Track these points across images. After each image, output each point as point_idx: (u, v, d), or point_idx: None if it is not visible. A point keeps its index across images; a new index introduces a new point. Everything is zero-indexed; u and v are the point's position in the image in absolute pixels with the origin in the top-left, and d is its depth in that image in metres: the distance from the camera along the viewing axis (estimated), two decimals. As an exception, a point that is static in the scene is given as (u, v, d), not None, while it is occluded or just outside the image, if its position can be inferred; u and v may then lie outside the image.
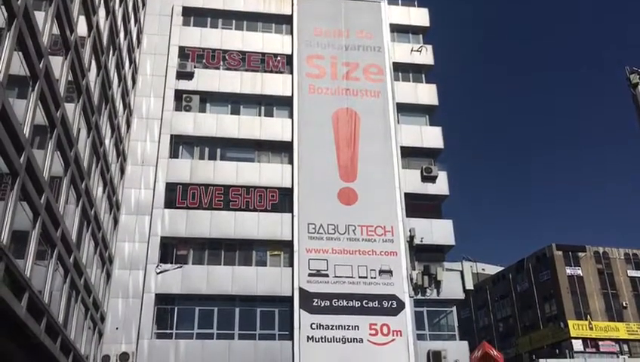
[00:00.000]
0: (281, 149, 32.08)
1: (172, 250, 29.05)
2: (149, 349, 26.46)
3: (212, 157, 31.51)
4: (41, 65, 15.14)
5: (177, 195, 29.77)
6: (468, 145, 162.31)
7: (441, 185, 32.28)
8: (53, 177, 17.23)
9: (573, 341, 55.43)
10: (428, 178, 32.14)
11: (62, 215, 18.07)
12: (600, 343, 56.28)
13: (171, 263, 28.38)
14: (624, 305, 59.76)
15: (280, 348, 27.24)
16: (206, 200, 29.79)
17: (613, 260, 62.12)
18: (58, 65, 17.20)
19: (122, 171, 29.37)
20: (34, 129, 14.95)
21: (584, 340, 56.08)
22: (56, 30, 16.65)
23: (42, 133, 16.21)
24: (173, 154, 31.07)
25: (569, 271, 59.80)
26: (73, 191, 19.82)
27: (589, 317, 57.48)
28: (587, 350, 54.90)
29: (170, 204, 29.63)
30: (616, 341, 57.14)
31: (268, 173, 31.07)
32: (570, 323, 56.55)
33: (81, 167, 20.47)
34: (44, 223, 16.16)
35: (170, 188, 29.95)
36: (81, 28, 19.58)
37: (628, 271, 61.91)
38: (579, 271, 59.95)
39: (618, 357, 52.12)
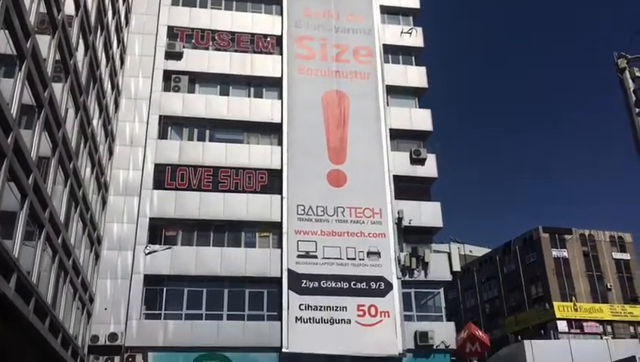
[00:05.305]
0: (271, 131, 32.02)
1: (161, 231, 29.02)
2: (138, 330, 26.55)
3: (201, 138, 31.40)
4: (28, 45, 14.96)
5: (166, 176, 29.69)
6: (458, 127, 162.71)
7: (429, 168, 32.38)
8: (41, 158, 17.11)
9: (558, 322, 56.35)
10: (417, 160, 32.22)
11: (50, 195, 17.99)
12: (584, 324, 57.23)
13: (160, 244, 28.41)
14: (608, 286, 60.70)
15: (269, 329, 27.44)
16: (195, 181, 29.74)
17: (599, 242, 62.93)
18: (45, 44, 16.99)
19: (111, 152, 29.22)
20: (21, 109, 14.82)
21: (569, 321, 57.01)
22: (43, 9, 16.43)
23: (30, 113, 16.07)
24: (162, 134, 30.91)
25: (555, 253, 60.56)
26: (61, 172, 19.71)
27: (574, 298, 58.32)
28: (572, 331, 55.80)
29: (158, 184, 29.57)
30: (601, 322, 58.11)
31: (257, 154, 31.03)
32: (556, 304, 57.38)
33: (69, 147, 20.34)
34: (32, 204, 16.09)
35: (159, 169, 29.86)
36: (69, 7, 19.33)
37: (613, 254, 62.80)
38: (565, 254, 60.75)
39: (602, 337, 52.91)
